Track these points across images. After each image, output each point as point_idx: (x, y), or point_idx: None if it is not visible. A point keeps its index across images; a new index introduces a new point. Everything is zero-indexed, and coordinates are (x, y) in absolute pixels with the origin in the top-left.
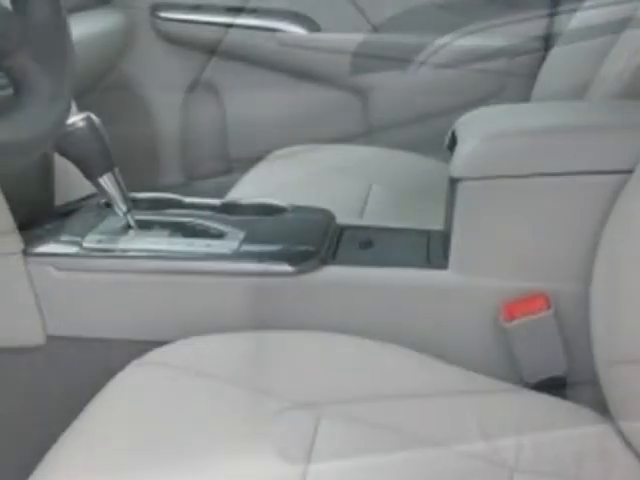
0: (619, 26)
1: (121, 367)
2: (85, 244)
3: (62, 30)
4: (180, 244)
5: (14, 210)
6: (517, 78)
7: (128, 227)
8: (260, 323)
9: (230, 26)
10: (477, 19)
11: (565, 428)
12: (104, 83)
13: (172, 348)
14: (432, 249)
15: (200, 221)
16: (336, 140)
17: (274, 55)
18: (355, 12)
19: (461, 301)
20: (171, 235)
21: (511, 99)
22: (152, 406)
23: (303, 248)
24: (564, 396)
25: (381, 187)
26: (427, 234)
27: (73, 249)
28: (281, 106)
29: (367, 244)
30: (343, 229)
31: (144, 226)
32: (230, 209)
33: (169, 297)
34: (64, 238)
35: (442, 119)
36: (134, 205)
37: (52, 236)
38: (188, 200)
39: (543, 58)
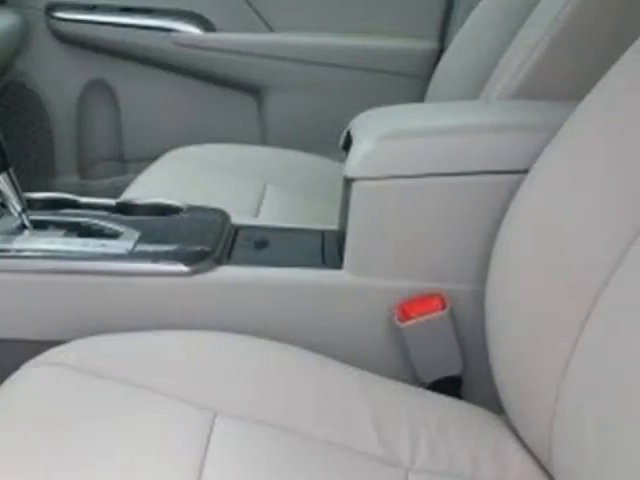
0: (514, 26)
1: (16, 367)
2: None
3: None
4: (75, 244)
5: None
6: (411, 78)
7: (23, 227)
8: (156, 323)
9: (125, 26)
10: (372, 19)
11: (460, 428)
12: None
13: (67, 348)
14: (327, 249)
15: (95, 221)
16: (231, 140)
17: (169, 55)
18: (251, 12)
19: (356, 301)
20: (66, 235)
21: (405, 99)
22: (47, 406)
23: (198, 248)
24: (460, 396)
25: (276, 187)
26: (322, 234)
27: None
28: (176, 106)
29: (262, 244)
30: (238, 229)
31: (39, 226)
32: (125, 209)
33: (64, 297)
34: None
35: (337, 119)
36: (29, 205)
37: None
38: (83, 200)
39: (438, 58)
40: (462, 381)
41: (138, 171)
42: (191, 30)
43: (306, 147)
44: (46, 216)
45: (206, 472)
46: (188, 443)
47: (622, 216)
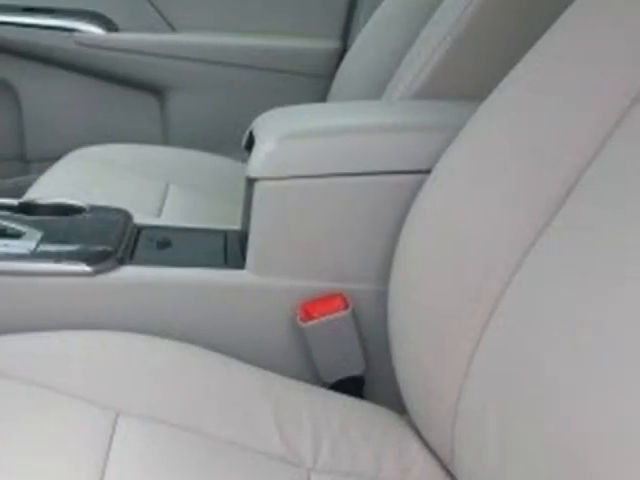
0: (417, 25)
1: None
2: None
3: None
4: None
5: None
6: (314, 78)
7: None
8: (59, 323)
9: (27, 26)
10: (274, 19)
11: (363, 428)
12: None
13: None
14: (230, 249)
15: None
16: (133, 140)
17: (72, 55)
18: (153, 12)
19: (258, 301)
20: None
21: (308, 99)
22: None
23: (100, 248)
24: (362, 396)
25: (178, 187)
26: (224, 234)
27: None
28: (79, 106)
29: (164, 244)
30: (140, 229)
31: None
32: (28, 209)
33: None
34: None
35: (239, 119)
36: None
37: None
38: None
39: (341, 57)
40: (364, 381)
41: (41, 171)
42: (93, 30)
43: (208, 147)
44: None
45: (109, 472)
46: (91, 443)
47: (523, 217)
